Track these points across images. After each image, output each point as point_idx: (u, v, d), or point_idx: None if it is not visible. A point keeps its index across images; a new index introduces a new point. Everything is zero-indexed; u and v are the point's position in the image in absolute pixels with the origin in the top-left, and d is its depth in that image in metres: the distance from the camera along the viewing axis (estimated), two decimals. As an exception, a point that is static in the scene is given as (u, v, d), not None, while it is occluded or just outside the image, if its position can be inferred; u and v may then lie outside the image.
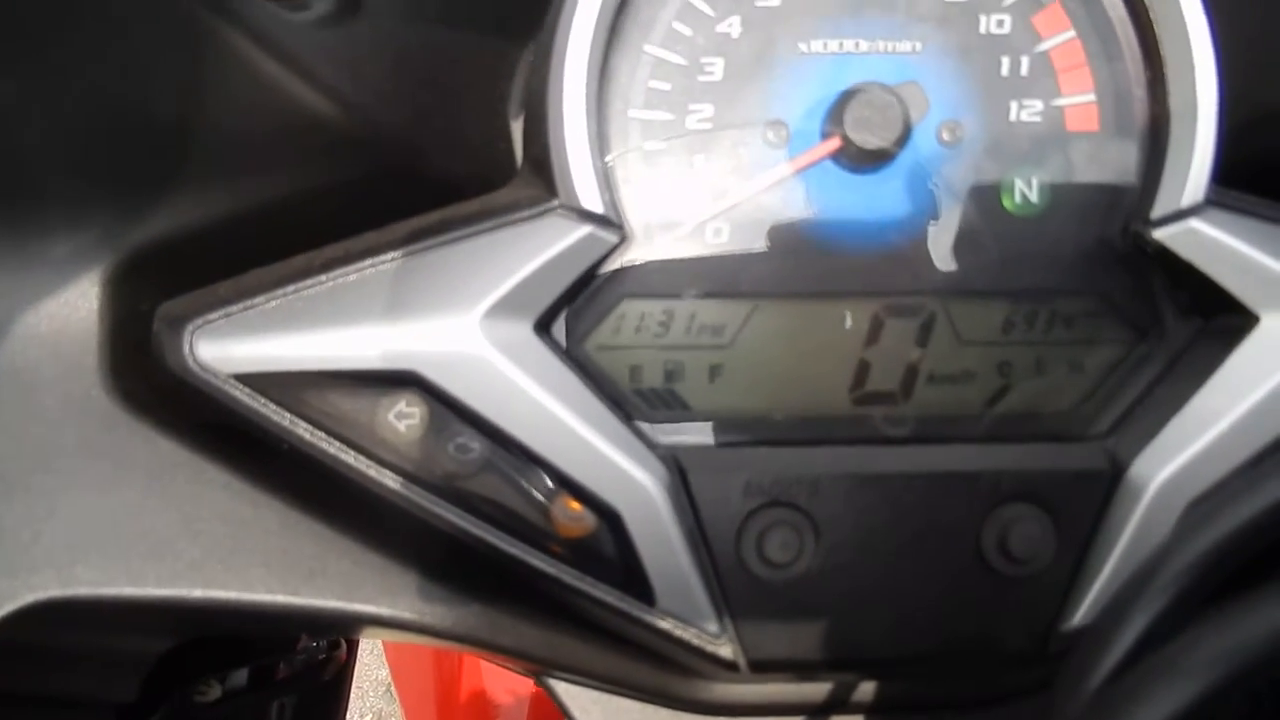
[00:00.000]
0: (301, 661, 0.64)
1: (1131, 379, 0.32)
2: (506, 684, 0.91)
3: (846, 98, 0.31)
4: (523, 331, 0.29)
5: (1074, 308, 0.33)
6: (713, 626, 0.29)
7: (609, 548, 0.30)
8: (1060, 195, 0.32)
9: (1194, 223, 0.30)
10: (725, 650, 0.29)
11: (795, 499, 0.29)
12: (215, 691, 0.58)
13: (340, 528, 0.32)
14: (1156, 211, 0.30)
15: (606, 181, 0.30)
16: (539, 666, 0.35)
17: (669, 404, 0.32)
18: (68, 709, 0.38)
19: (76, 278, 0.32)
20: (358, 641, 0.72)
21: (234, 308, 0.29)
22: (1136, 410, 0.31)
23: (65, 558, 0.30)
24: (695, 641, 0.29)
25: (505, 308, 0.28)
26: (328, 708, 0.69)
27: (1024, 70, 0.33)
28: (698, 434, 0.32)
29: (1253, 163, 0.33)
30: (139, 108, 0.30)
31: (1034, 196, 0.33)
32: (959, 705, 0.34)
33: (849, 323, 0.33)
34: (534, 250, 0.29)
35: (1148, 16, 0.31)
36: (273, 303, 0.29)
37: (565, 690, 0.36)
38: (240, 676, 0.59)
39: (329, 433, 0.30)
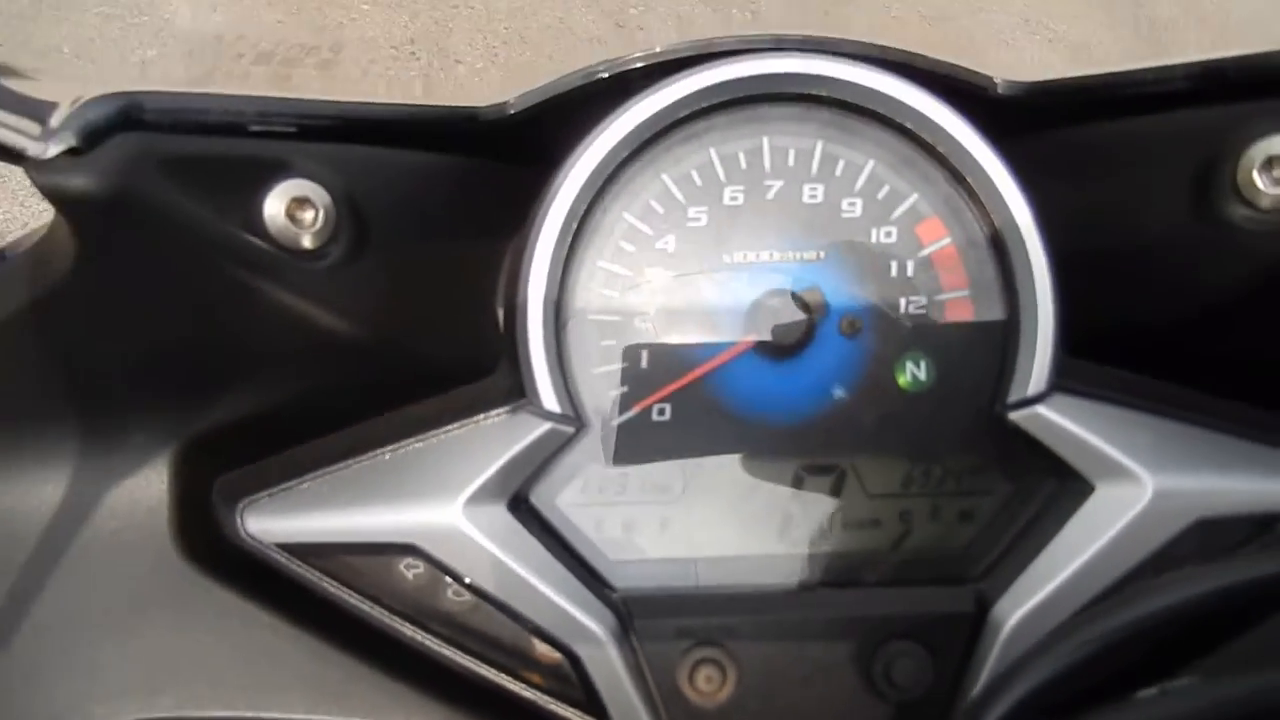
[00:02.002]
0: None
1: (1005, 529, 0.39)
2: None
3: (758, 304, 0.38)
4: (498, 511, 0.37)
5: (961, 465, 0.40)
6: (656, 742, 0.36)
7: (574, 676, 0.37)
8: (943, 374, 0.39)
9: (1040, 409, 0.36)
10: (669, 762, 0.36)
11: (719, 640, 0.36)
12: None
13: (362, 659, 0.39)
14: (1011, 397, 0.37)
15: (564, 383, 0.37)
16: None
17: (626, 550, 0.39)
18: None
19: (150, 460, 0.40)
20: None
21: (275, 489, 0.37)
22: (1003, 558, 0.38)
23: (147, 688, 0.38)
24: (641, 754, 0.36)
25: (483, 494, 0.36)
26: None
27: (910, 271, 0.39)
28: (650, 576, 0.39)
29: (1115, 335, 0.39)
30: (199, 338, 0.38)
31: (922, 375, 0.39)
32: None
33: (776, 480, 0.40)
34: (506, 444, 0.36)
35: (1000, 235, 0.38)
36: (304, 485, 0.37)
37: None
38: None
39: (351, 587, 0.38)
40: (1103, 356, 0.39)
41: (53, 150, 0.31)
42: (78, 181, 0.32)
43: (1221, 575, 0.27)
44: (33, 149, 0.31)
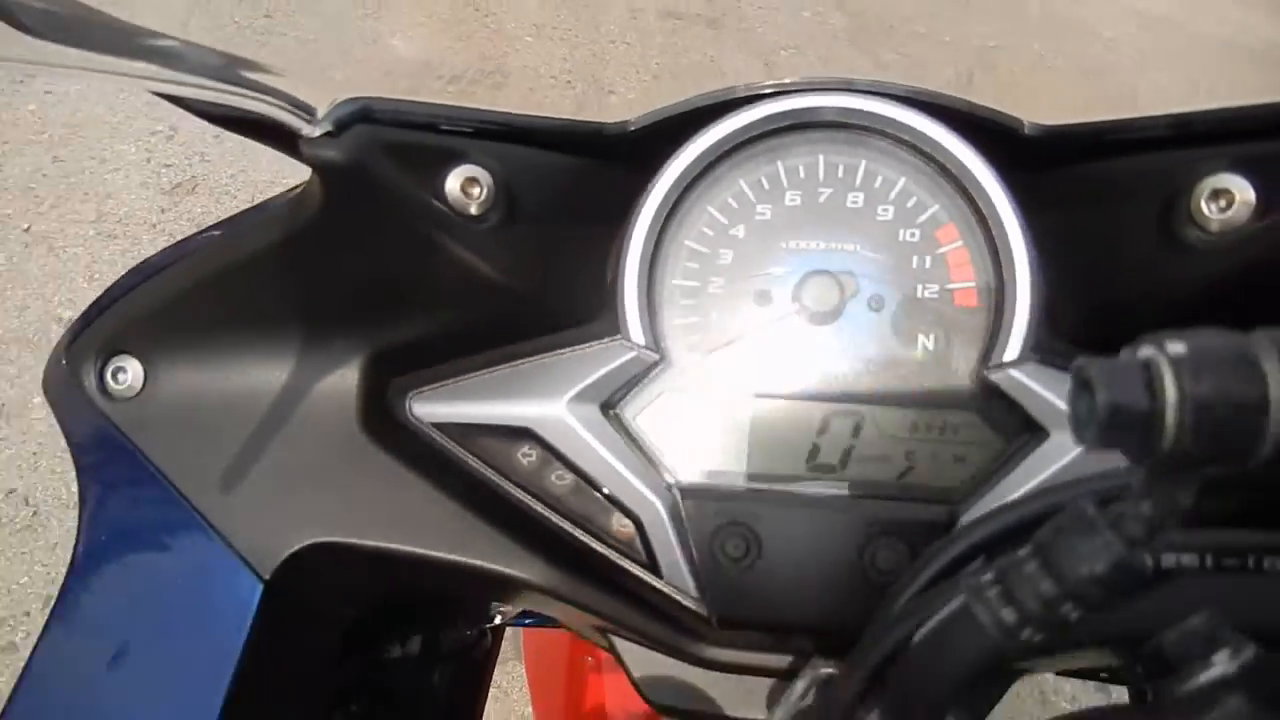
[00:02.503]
0: (458, 640, 0.85)
1: (990, 472, 0.49)
2: (624, 703, 1.09)
3: (804, 281, 0.50)
4: (593, 411, 0.50)
5: (958, 419, 0.50)
6: (695, 594, 0.48)
7: (639, 542, 0.50)
8: (947, 344, 0.50)
9: (1012, 371, 0.47)
10: (702, 610, 0.48)
11: (746, 520, 0.48)
12: (396, 652, 0.80)
13: (484, 518, 0.52)
14: (992, 361, 0.48)
15: (650, 325, 0.50)
16: (604, 623, 0.54)
17: (685, 457, 0.51)
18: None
19: (347, 361, 0.55)
20: (501, 635, 0.94)
21: (435, 385, 0.52)
22: (978, 488, 0.48)
23: (330, 521, 0.53)
24: (685, 602, 0.48)
25: (582, 396, 0.50)
26: (474, 683, 0.90)
27: (928, 265, 0.51)
28: (699, 475, 0.51)
29: (1093, 326, 0.49)
30: (392, 275, 0.53)
31: (930, 345, 0.50)
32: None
33: (807, 418, 0.51)
34: (603, 364, 0.50)
35: (995, 241, 0.49)
36: (456, 384, 0.52)
37: (621, 643, 0.55)
38: (414, 644, 0.81)
39: (483, 461, 0.52)
40: (1081, 343, 0.49)
41: (317, 133, 0.46)
42: (330, 154, 0.47)
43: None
44: (305, 130, 0.46)
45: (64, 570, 0.53)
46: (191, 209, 2.79)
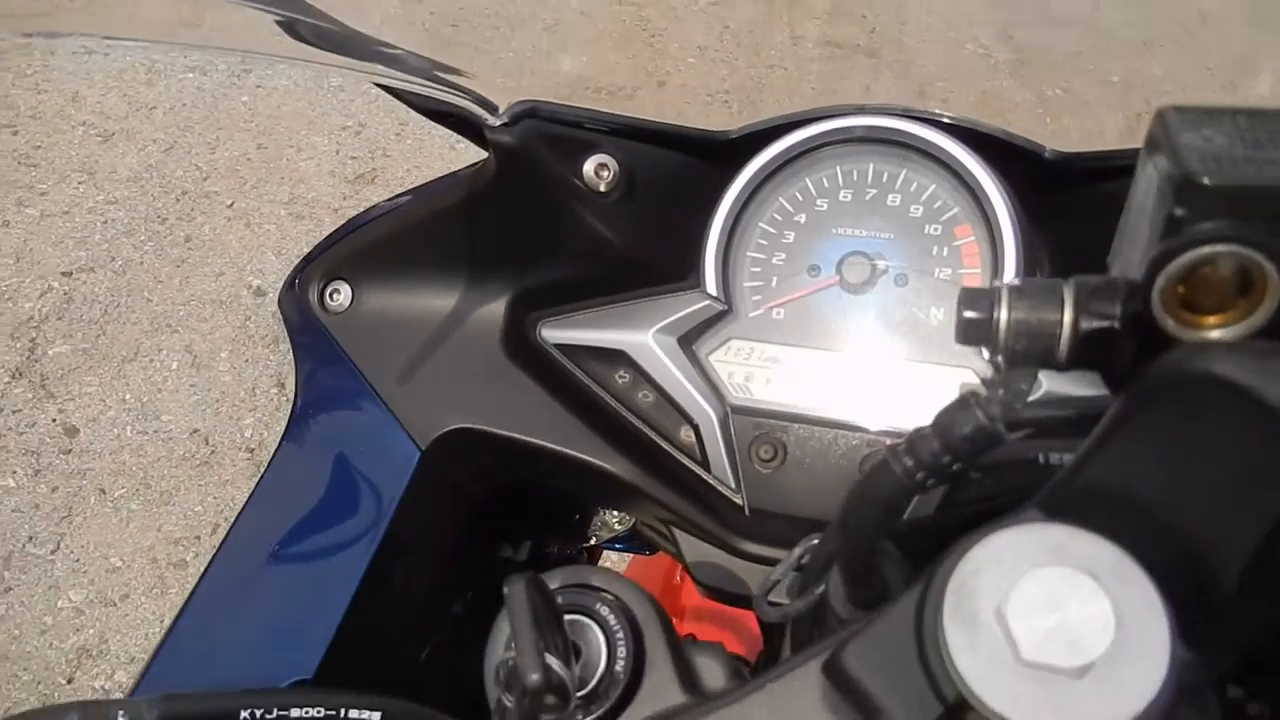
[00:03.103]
0: (560, 554, 1.02)
1: None
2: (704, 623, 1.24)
3: (845, 258, 0.65)
4: (672, 342, 0.66)
5: (958, 373, 0.64)
6: (733, 486, 0.64)
7: (697, 448, 0.66)
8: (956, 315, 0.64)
9: None
10: (739, 499, 0.63)
11: (778, 435, 0.63)
12: (508, 552, 0.97)
13: (588, 421, 0.69)
14: None
15: (724, 280, 0.66)
16: (669, 514, 0.70)
17: (742, 390, 0.67)
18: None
19: (496, 298, 0.73)
20: (599, 556, 1.10)
21: (559, 316, 0.69)
22: None
23: (473, 412, 0.70)
24: (725, 493, 0.64)
25: (665, 330, 0.66)
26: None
27: (945, 253, 0.65)
28: (747, 399, 0.66)
29: None
30: (536, 233, 0.71)
31: (941, 316, 0.64)
32: None
33: (841, 370, 0.66)
34: (683, 306, 0.66)
35: (995, 240, 0.62)
36: (574, 315, 0.69)
37: (680, 535, 0.71)
38: (524, 550, 0.98)
39: (591, 377, 0.69)
40: None
41: (496, 123, 0.65)
42: (505, 139, 0.65)
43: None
44: (490, 121, 0.65)
45: (231, 504, 0.72)
46: (370, 197, 3.10)
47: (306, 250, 0.79)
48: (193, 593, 0.64)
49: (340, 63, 0.65)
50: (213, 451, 2.53)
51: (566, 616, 0.45)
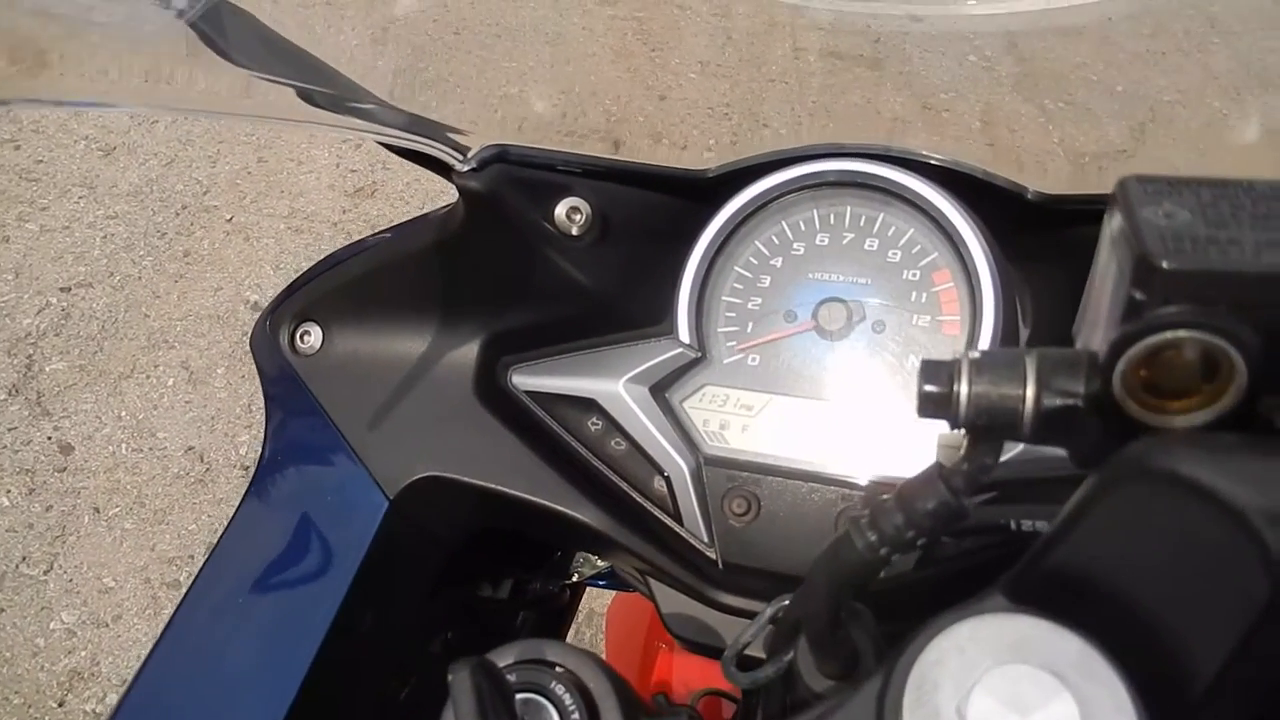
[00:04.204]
0: (542, 591, 1.01)
1: None
2: (685, 679, 1.22)
3: (820, 304, 0.64)
4: (644, 391, 0.64)
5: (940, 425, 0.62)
6: (706, 540, 0.62)
7: (669, 498, 0.64)
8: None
9: None
10: (711, 553, 0.62)
11: (751, 489, 0.61)
12: (488, 591, 0.96)
13: (557, 467, 0.67)
14: None
15: (698, 329, 0.65)
16: (642, 564, 0.68)
17: (716, 438, 0.65)
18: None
19: (468, 342, 0.71)
20: (580, 596, 1.09)
21: (531, 363, 0.68)
22: None
23: (443, 460, 0.69)
24: (698, 546, 0.62)
25: (637, 379, 0.65)
26: (553, 631, 1.05)
27: (923, 300, 0.63)
28: (721, 449, 0.64)
29: None
30: (507, 276, 0.69)
31: (918, 364, 0.62)
32: None
33: (812, 413, 0.64)
34: (655, 354, 0.64)
35: (974, 287, 0.61)
36: (546, 362, 0.67)
37: (654, 584, 0.69)
38: (505, 588, 0.97)
39: (562, 425, 0.67)
40: None
41: (466, 168, 0.63)
42: (473, 184, 0.63)
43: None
44: (458, 166, 0.63)
45: (226, 523, 0.70)
46: (369, 211, 3.10)
47: (306, 265, 0.78)
48: (153, 650, 0.62)
49: (307, 117, 0.64)
50: (208, 469, 2.52)
51: (519, 695, 0.44)
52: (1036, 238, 0.64)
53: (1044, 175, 0.65)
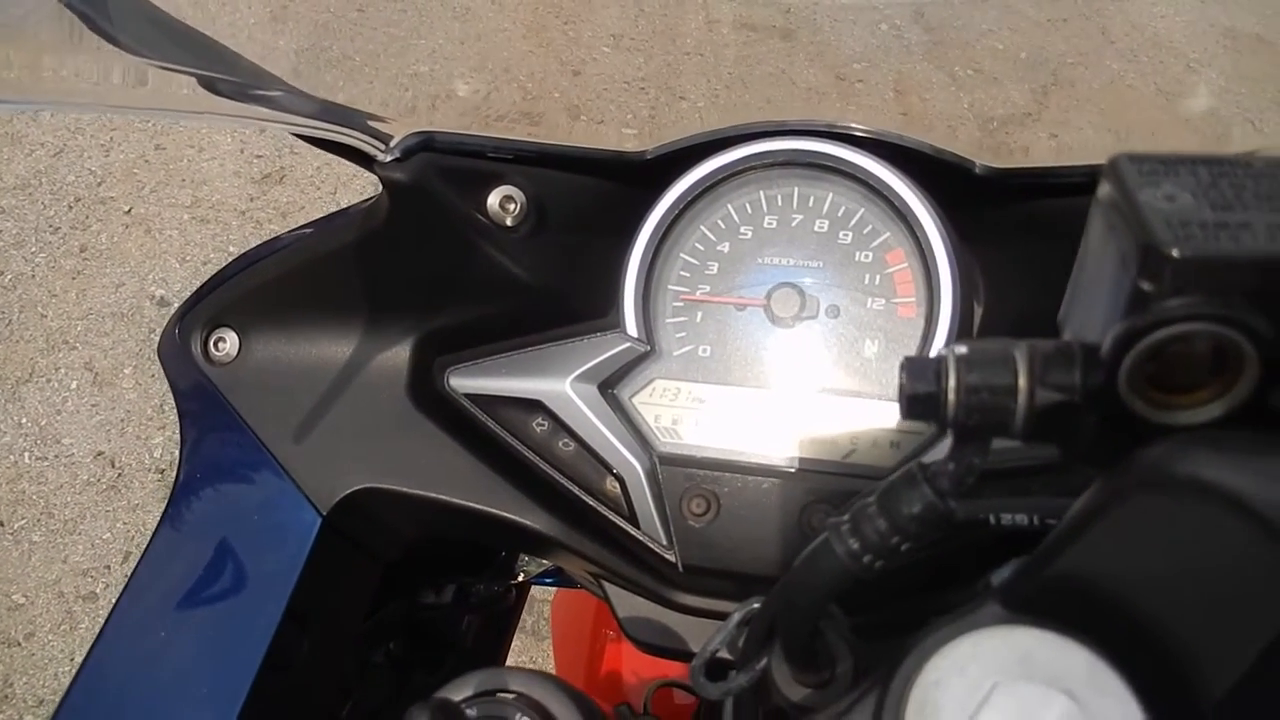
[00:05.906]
0: (487, 593, 0.97)
1: (917, 449, 0.59)
2: (636, 669, 1.20)
3: (773, 290, 0.61)
4: (592, 390, 0.61)
5: (894, 409, 0.60)
6: (664, 542, 0.59)
7: (623, 499, 0.61)
8: (889, 350, 0.60)
9: None
10: (670, 556, 0.59)
11: (709, 487, 0.58)
12: (431, 598, 0.92)
13: (503, 474, 0.64)
14: None
15: (646, 321, 0.61)
16: (596, 568, 0.65)
17: (668, 434, 0.62)
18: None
19: (400, 342, 0.67)
20: (525, 595, 1.05)
21: (468, 363, 0.64)
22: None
23: (379, 470, 0.64)
24: (657, 550, 0.59)
25: (584, 377, 0.61)
26: (499, 633, 1.02)
27: (877, 282, 0.61)
28: (676, 447, 0.61)
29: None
30: (440, 272, 0.65)
31: (875, 349, 0.60)
32: None
33: (768, 405, 0.61)
34: (602, 350, 0.61)
35: (929, 266, 0.59)
36: (485, 362, 0.63)
37: (610, 588, 0.66)
38: (448, 593, 0.93)
39: (505, 428, 0.63)
40: None
41: (389, 158, 0.59)
42: (397, 175, 0.59)
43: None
44: (380, 156, 0.58)
45: (143, 530, 0.66)
46: (279, 198, 2.97)
47: (214, 257, 0.72)
48: (66, 695, 0.57)
49: (214, 109, 0.58)
50: (120, 475, 2.40)
51: (480, 732, 0.40)
52: (985, 214, 0.62)
53: (955, 140, 0.63)
